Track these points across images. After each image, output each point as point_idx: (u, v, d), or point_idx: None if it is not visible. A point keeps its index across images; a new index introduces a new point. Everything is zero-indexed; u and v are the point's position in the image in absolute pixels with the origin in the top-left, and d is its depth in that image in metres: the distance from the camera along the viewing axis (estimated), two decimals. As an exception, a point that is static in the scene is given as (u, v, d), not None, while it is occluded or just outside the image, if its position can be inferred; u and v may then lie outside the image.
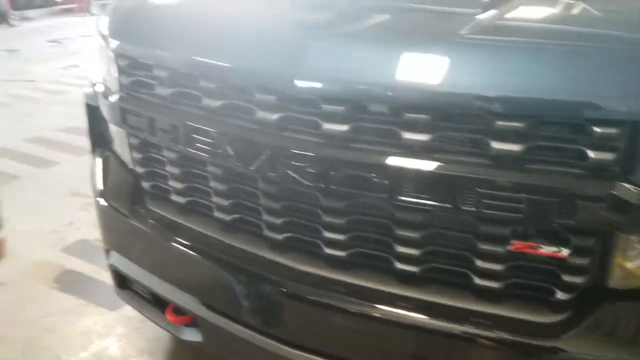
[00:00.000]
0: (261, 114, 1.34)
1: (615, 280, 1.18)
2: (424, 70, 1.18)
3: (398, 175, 1.20)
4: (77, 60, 7.20)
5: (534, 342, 1.21)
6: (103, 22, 1.80)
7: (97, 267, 2.78)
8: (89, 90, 1.96)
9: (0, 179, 3.83)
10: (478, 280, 1.26)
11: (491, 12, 1.29)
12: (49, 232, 3.16)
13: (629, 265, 1.17)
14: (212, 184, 1.53)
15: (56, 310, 2.51)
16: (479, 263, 1.24)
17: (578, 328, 1.19)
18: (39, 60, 7.35)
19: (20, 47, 7.97)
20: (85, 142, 4.64)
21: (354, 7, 1.46)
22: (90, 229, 3.16)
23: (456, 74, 1.15)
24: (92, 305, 2.55)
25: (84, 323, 2.43)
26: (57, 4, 10.23)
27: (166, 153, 1.60)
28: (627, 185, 1.07)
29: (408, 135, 1.18)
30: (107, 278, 2.64)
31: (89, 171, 2.01)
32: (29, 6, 9.76)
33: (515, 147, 1.12)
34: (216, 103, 1.42)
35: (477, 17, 1.28)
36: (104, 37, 1.75)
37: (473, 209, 1.16)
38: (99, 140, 1.95)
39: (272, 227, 1.45)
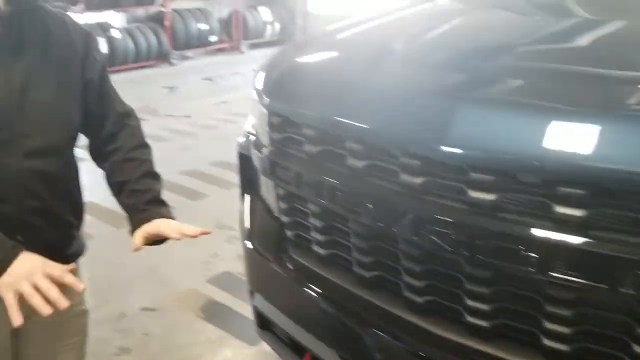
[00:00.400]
0: (405, 177, 1.35)
1: None
2: (581, 141, 1.13)
3: (547, 249, 1.14)
4: (227, 97, 7.76)
5: None
6: (258, 78, 1.92)
7: (239, 300, 2.94)
8: (242, 139, 2.10)
9: (158, 209, 4.21)
10: None
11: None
12: (197, 263, 3.40)
13: None
14: (353, 239, 1.56)
15: (201, 340, 2.69)
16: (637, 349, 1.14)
17: None
18: (194, 96, 8.02)
19: (178, 84, 8.75)
20: (232, 176, 4.94)
21: (505, 70, 1.43)
22: (233, 261, 3.36)
23: (618, 147, 1.08)
24: (234, 337, 2.70)
25: (225, 355, 2.58)
26: (211, 44, 11.14)
27: (310, 206, 1.67)
28: None
29: (560, 209, 1.13)
30: (248, 312, 2.80)
31: (237, 214, 2.15)
32: (187, 46, 10.71)
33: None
34: (360, 163, 1.46)
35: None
36: (258, 92, 1.88)
37: (631, 291, 1.08)
38: (249, 186, 2.08)
39: (412, 289, 1.44)
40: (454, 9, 2.27)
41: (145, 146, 1.59)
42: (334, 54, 1.88)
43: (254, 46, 11.78)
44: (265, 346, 2.53)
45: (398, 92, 1.46)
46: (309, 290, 1.68)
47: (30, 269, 1.22)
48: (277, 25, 12.26)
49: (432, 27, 1.93)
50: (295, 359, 1.85)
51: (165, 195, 4.46)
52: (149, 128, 6.94)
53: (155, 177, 1.56)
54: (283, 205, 1.80)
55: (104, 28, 9.36)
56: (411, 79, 1.51)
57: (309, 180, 1.60)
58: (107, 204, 4.26)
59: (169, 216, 1.50)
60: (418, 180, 1.33)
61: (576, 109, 1.20)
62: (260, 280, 1.95)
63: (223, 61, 10.80)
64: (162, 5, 10.28)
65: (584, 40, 1.64)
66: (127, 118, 1.60)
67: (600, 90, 1.27)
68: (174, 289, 3.12)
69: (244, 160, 2.07)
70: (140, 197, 1.50)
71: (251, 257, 1.96)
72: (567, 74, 1.38)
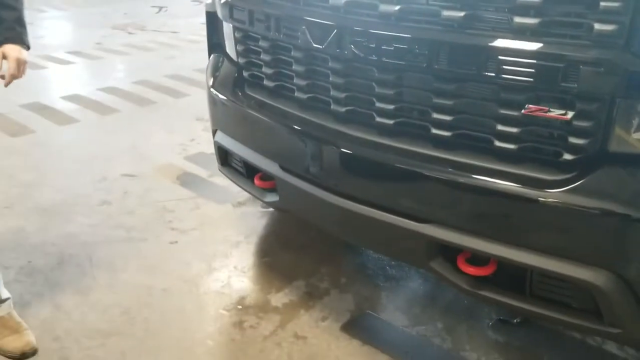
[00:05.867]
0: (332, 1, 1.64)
1: (614, 145, 1.35)
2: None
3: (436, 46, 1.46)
4: (214, 17, 7.92)
5: (542, 194, 1.42)
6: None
7: (211, 172, 3.27)
8: (209, 1, 2.38)
9: (142, 102, 4.50)
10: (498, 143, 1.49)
11: None
12: (175, 145, 3.71)
13: (628, 131, 1.34)
14: (294, 67, 1.86)
15: (175, 198, 3.02)
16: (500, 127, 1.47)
17: (579, 184, 1.38)
18: (182, 16, 8.16)
19: (168, 5, 8.87)
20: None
21: None
22: (208, 145, 3.67)
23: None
24: (204, 198, 3.03)
25: (197, 209, 2.92)
26: (202, -31, 11.18)
27: (261, 43, 1.96)
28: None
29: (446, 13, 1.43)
30: (217, 181, 3.14)
31: (205, 68, 2.44)
32: (178, -29, 10.76)
33: (533, 21, 1.33)
34: (299, -6, 1.75)
35: None
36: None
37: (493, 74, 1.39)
38: (214, 43, 2.37)
39: (338, 102, 1.76)
40: None
41: None
42: None
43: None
44: (229, 206, 2.89)
45: None
46: (259, 117, 1.99)
47: None
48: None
49: None
50: (248, 182, 2.19)
51: (151, 93, 4.94)
52: (136, 40, 7.16)
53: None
54: (240, 48, 2.10)
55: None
56: None
57: (260, 17, 1.89)
58: (94, 96, 4.57)
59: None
60: (342, 1, 1.62)
61: None
62: (221, 119, 2.27)
63: (213, -13, 10.87)
64: None
65: None
66: None
67: None
68: (153, 162, 3.44)
69: (210, 19, 2.34)
70: None
71: (214, 101, 2.27)
72: None
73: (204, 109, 4.22)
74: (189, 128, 4.01)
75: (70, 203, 2.92)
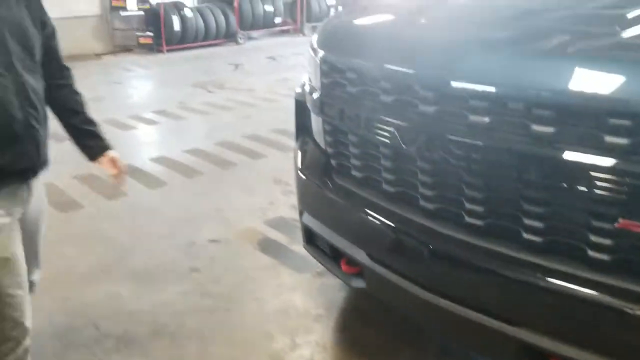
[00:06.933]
0: (423, 107, 1.74)
1: None
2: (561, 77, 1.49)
3: (526, 158, 1.52)
4: (289, 74, 8.23)
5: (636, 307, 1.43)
6: (314, 38, 2.36)
7: (290, 239, 3.39)
8: (298, 89, 2.54)
9: (223, 164, 4.74)
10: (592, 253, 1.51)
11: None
12: (255, 209, 3.88)
13: None
14: (382, 162, 1.96)
15: (259, 265, 3.15)
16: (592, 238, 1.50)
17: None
18: (257, 73, 8.54)
19: (243, 62, 9.31)
20: (288, 141, 5.43)
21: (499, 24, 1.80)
22: (287, 209, 3.82)
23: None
24: (285, 266, 3.15)
25: (278, 277, 3.03)
26: (275, 25, 11.68)
27: (350, 137, 2.08)
28: None
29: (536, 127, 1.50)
30: (296, 248, 3.26)
31: (292, 152, 2.59)
32: (253, 27, 11.29)
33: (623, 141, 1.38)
34: (389, 98, 1.86)
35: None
36: (312, 48, 2.30)
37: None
38: (302, 128, 2.52)
39: (426, 199, 1.84)
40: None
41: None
42: (373, 16, 2.28)
43: (316, 29, 12.23)
44: (310, 275, 2.99)
45: (419, 43, 1.85)
46: (347, 205, 2.10)
47: None
48: (340, 9, 12.63)
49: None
50: (334, 265, 2.28)
51: (231, 155, 5.25)
52: (216, 99, 7.57)
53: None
54: (329, 139, 2.22)
55: (177, 7, 10.05)
56: (428, 34, 1.89)
57: (350, 115, 2.02)
58: (179, 158, 4.85)
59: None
60: (432, 108, 1.72)
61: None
62: (308, 201, 2.39)
63: (286, 42, 11.31)
64: (232, -14, 10.86)
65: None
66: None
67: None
68: (236, 227, 3.61)
69: (299, 106, 2.50)
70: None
71: (302, 184, 2.40)
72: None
73: (281, 171, 4.47)
74: (268, 191, 4.18)
75: (162, 269, 3.11)
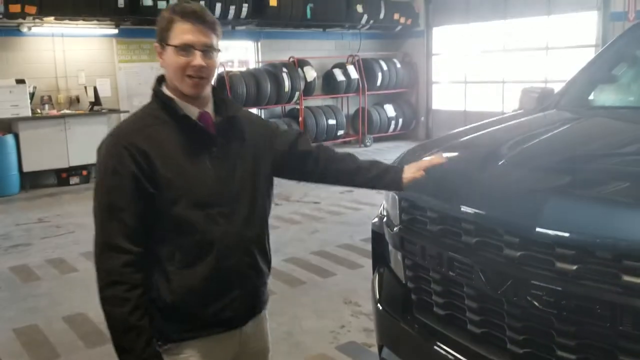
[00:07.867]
0: (507, 251, 1.75)
1: None
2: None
3: (618, 309, 1.48)
4: (352, 186, 8.43)
5: None
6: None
7: (363, 366, 3.33)
8: (375, 220, 2.60)
9: (292, 283, 4.78)
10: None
11: None
12: (326, 332, 3.84)
13: None
14: (467, 302, 1.95)
15: (331, 397, 3.09)
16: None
17: None
18: (322, 185, 8.73)
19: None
20: (356, 257, 5.40)
21: (579, 171, 1.82)
22: (358, 333, 3.77)
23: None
24: (359, 397, 3.07)
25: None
26: (338, 137, 12.14)
27: (432, 274, 2.09)
28: None
29: (627, 278, 1.48)
30: (372, 376, 3.18)
31: (370, 282, 2.61)
32: (317, 139, 11.75)
33: None
34: (473, 240, 1.88)
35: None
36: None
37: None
38: (380, 259, 2.55)
39: (514, 342, 1.80)
40: (560, 118, 2.69)
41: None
42: (452, 154, 2.36)
43: (377, 139, 12.64)
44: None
45: (502, 185, 1.89)
46: (430, 345, 2.07)
47: None
48: (401, 121, 13.02)
49: (534, 135, 2.36)
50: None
51: (297, 271, 5.29)
52: (283, 211, 7.68)
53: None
54: (409, 274, 2.24)
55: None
56: (511, 176, 1.94)
57: (432, 253, 2.04)
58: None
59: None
60: (517, 253, 1.72)
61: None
62: (388, 337, 2.36)
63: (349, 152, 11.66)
64: (297, 103, 11.50)
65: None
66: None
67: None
68: (308, 352, 3.57)
69: (377, 237, 2.55)
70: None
71: (381, 318, 2.39)
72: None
73: (351, 290, 4.45)
74: (338, 312, 4.16)
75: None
